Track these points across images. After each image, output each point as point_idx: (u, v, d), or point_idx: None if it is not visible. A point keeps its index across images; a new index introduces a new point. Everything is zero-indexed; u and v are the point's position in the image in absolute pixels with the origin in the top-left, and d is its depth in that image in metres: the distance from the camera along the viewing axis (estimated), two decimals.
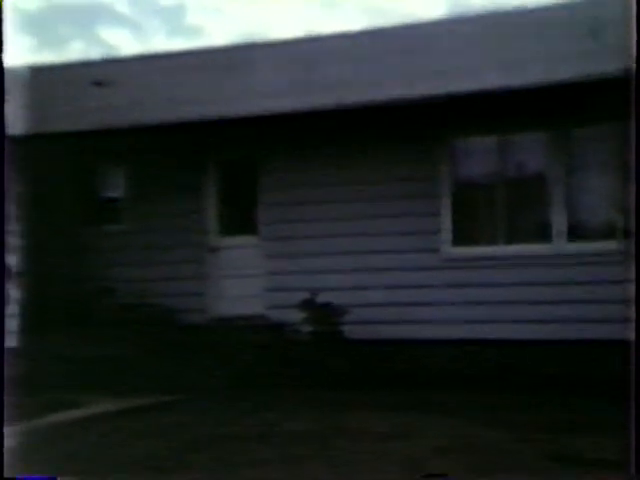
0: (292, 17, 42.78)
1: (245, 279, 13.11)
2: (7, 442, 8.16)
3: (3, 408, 4.72)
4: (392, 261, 12.12)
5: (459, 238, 11.94)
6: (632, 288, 4.87)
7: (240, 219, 13.45)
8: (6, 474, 5.35)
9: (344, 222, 12.46)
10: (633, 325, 4.82)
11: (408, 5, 41.57)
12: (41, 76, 18.21)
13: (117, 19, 44.15)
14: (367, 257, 12.28)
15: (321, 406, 9.62)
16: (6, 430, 8.78)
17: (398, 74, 13.36)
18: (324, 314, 11.88)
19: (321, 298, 11.95)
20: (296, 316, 11.99)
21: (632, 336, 4.83)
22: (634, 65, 4.89)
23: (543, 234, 11.48)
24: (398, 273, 12.10)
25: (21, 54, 43.00)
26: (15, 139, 13.45)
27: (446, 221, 11.97)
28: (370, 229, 12.29)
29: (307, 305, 11.95)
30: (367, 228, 12.31)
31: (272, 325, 12.46)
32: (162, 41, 44.80)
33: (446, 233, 11.96)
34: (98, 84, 15.94)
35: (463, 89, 11.44)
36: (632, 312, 4.83)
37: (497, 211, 11.78)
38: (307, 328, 11.99)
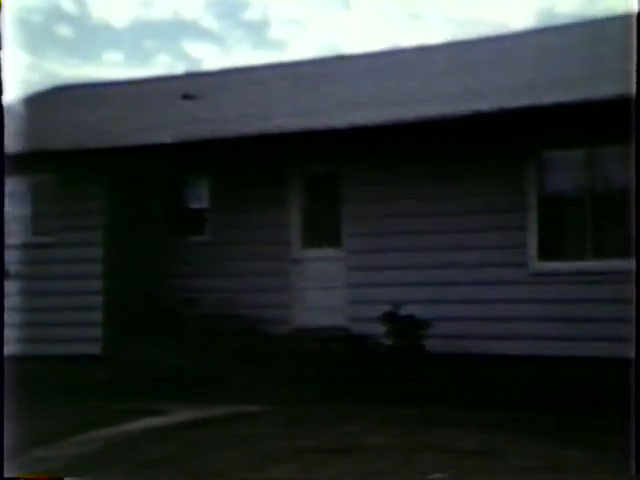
0: (376, 29, 42.78)
1: (327, 291, 13.08)
2: (89, 447, 8.30)
3: (3, 408, 4.74)
4: (477, 275, 11.93)
5: (546, 252, 11.70)
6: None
7: (323, 231, 13.44)
8: (8, 474, 5.36)
9: (428, 235, 12.32)
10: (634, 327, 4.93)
11: (494, 15, 41.17)
12: (129, 90, 18.58)
13: (202, 33, 44.83)
14: (451, 271, 12.12)
15: (403, 421, 9.50)
16: (87, 436, 8.94)
17: (482, 87, 13.19)
18: (406, 327, 11.74)
19: (403, 311, 11.82)
20: (378, 329, 11.89)
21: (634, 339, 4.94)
22: None
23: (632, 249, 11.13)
24: (483, 287, 11.90)
25: (109, 69, 43.98)
26: (102, 151, 13.72)
27: (532, 235, 11.74)
28: (455, 243, 12.13)
29: (389, 318, 11.84)
30: (452, 242, 12.16)
31: (354, 337, 12.38)
32: (246, 55, 45.32)
33: (532, 247, 11.73)
34: (186, 97, 16.16)
35: (549, 101, 11.21)
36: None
37: (584, 225, 11.50)
38: (389, 341, 11.88)
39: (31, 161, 13.95)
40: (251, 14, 45.50)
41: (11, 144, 14.37)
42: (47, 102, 18.77)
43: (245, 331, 12.91)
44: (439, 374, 11.24)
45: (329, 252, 13.25)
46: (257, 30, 45.82)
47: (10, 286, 13.82)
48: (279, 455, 7.75)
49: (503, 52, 15.30)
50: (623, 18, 13.61)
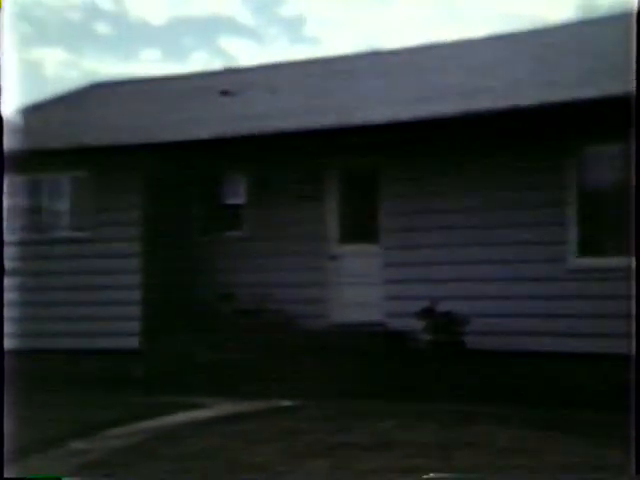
0: (414, 24, 42.63)
1: (364, 287, 13.07)
2: (128, 439, 8.34)
3: (3, 408, 4.74)
4: (515, 271, 11.85)
5: (585, 248, 11.58)
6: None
7: (360, 227, 13.43)
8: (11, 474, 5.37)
9: (466, 231, 12.26)
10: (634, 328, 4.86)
11: (534, 9, 40.81)
12: (166, 87, 18.67)
13: (238, 30, 44.98)
14: (489, 266, 12.05)
15: (441, 417, 9.43)
16: (126, 428, 8.99)
17: (522, 82, 13.08)
18: (444, 323, 11.68)
19: (441, 307, 11.75)
20: (415, 325, 11.83)
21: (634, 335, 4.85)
22: None
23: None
24: (521, 283, 11.81)
25: (146, 66, 44.26)
26: (139, 147, 13.79)
27: (572, 231, 11.63)
28: (493, 238, 12.05)
29: (427, 314, 11.78)
30: (490, 237, 12.08)
31: (391, 333, 12.36)
32: (282, 50, 45.40)
33: (572, 243, 11.61)
34: (224, 93, 16.20)
35: (589, 95, 11.09)
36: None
37: (624, 221, 11.35)
38: (426, 337, 11.82)
39: (69, 157, 14.09)
40: (287, 10, 45.59)
41: (50, 141, 14.56)
42: (85, 99, 18.92)
43: (282, 326, 12.93)
44: (477, 370, 11.16)
45: (366, 248, 13.23)
46: (293, 26, 45.92)
47: (50, 281, 13.99)
48: (315, 450, 7.73)
49: (543, 45, 15.16)
50: None
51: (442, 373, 11.25)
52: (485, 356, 11.40)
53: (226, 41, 48.14)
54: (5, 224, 4.89)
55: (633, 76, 4.88)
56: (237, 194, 14.53)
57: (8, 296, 14.60)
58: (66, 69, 46.78)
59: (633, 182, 4.98)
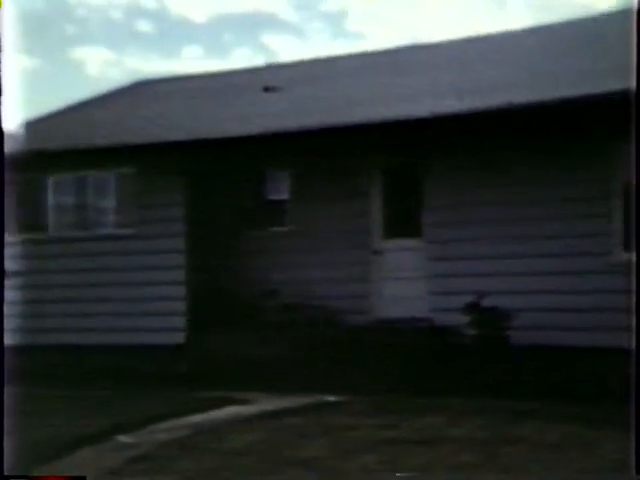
0: (456, 17, 42.37)
1: (408, 281, 13.02)
2: (174, 434, 8.39)
3: (3, 408, 4.75)
4: (560, 265, 11.73)
5: (630, 242, 11.41)
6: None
7: (404, 222, 13.38)
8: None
9: (510, 225, 12.16)
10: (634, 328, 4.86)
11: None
12: (209, 83, 18.75)
13: (280, 25, 45.04)
14: (534, 260, 11.94)
15: (488, 413, 9.37)
16: (172, 423, 9.04)
17: (568, 73, 12.93)
18: (489, 318, 11.59)
19: (486, 302, 11.66)
20: (460, 319, 11.75)
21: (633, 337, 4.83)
22: None
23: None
24: (567, 277, 11.69)
25: (188, 63, 44.50)
26: (183, 144, 13.87)
27: (617, 224, 11.47)
28: (537, 232, 11.94)
29: (472, 308, 11.69)
30: (534, 231, 11.97)
31: (435, 328, 12.30)
32: (325, 45, 45.41)
33: (617, 236, 11.46)
34: (268, 90, 16.22)
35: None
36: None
37: None
38: (471, 332, 11.73)
39: (114, 155, 14.21)
40: (329, 5, 45.55)
41: (95, 139, 14.68)
42: (129, 97, 19.06)
43: (326, 322, 12.93)
44: (524, 365, 11.07)
45: (410, 242, 13.18)
46: (335, 21, 45.88)
47: (96, 277, 14.13)
48: (363, 445, 7.72)
49: (588, 36, 14.97)
50: None
51: (487, 368, 11.16)
52: (531, 351, 11.30)
53: (268, 37, 48.30)
54: (5, 224, 4.89)
55: (633, 74, 4.87)
56: (280, 190, 14.56)
57: (56, 292, 14.81)
58: (109, 68, 47.23)
59: (633, 182, 4.97)
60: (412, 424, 8.74)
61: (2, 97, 4.76)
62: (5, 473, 5.16)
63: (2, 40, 4.79)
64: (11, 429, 8.70)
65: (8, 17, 4.84)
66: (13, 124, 17.04)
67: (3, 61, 4.79)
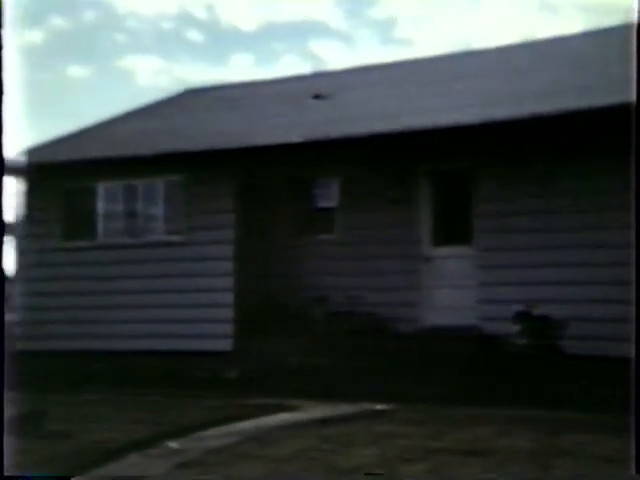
0: (507, 22, 42.12)
1: (458, 290, 12.92)
2: (223, 440, 8.40)
3: (3, 408, 4.76)
4: (612, 274, 11.54)
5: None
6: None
7: (453, 229, 13.29)
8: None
9: (560, 233, 12.02)
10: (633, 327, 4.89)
11: (630, 2, 39.76)
12: (258, 91, 18.82)
13: (329, 33, 45.17)
14: (584, 269, 11.77)
15: (538, 424, 9.24)
16: (220, 429, 9.06)
17: (619, 79, 12.72)
18: (541, 327, 11.44)
19: (538, 310, 11.51)
20: (510, 328, 11.62)
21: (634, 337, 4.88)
22: None
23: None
24: (618, 287, 11.47)
25: (237, 71, 44.83)
26: (232, 151, 13.93)
27: None
28: (589, 240, 11.77)
29: (522, 317, 11.55)
30: (585, 239, 11.80)
31: (485, 337, 12.18)
32: (373, 53, 45.46)
33: None
34: (317, 97, 16.24)
35: None
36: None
37: None
38: (522, 341, 11.60)
39: (164, 163, 14.32)
40: (378, 12, 45.57)
41: (144, 147, 14.82)
42: (179, 105, 19.21)
43: (374, 330, 12.89)
44: (575, 376, 10.90)
45: (459, 250, 13.09)
46: (384, 28, 45.88)
47: (145, 284, 14.24)
48: (411, 454, 7.64)
49: None
50: None
51: (538, 379, 11.01)
52: (582, 361, 11.12)
53: (316, 44, 48.48)
54: (5, 224, 4.90)
55: (633, 86, 4.86)
56: (329, 197, 14.57)
57: (104, 299, 14.93)
58: (158, 77, 47.76)
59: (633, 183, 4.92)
60: (460, 434, 8.64)
61: (2, 97, 4.74)
62: (5, 474, 5.18)
63: (2, 40, 4.77)
64: (60, 433, 8.82)
65: (7, 18, 4.81)
66: (60, 133, 17.29)
67: (4, 60, 4.76)
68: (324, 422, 9.52)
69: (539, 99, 12.69)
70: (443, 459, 7.43)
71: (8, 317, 16.51)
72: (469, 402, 10.54)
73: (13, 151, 16.43)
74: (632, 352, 4.89)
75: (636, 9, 5.16)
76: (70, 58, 50.04)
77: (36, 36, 46.24)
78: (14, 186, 15.93)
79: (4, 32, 4.70)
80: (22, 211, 15.88)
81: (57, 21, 46.31)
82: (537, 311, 11.49)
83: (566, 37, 16.72)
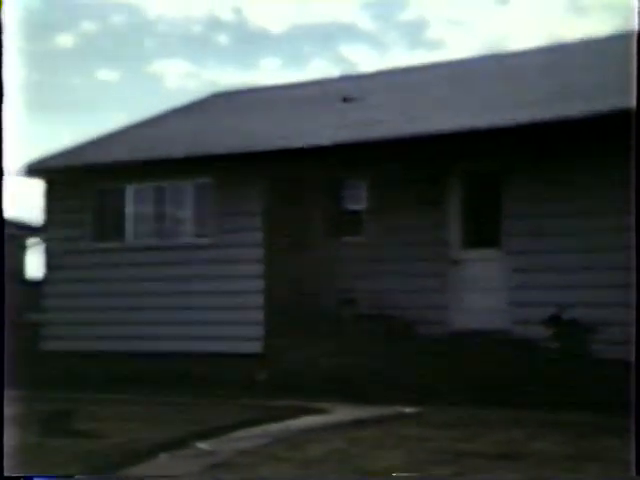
0: (537, 24, 41.85)
1: (487, 293, 12.84)
2: (253, 442, 8.40)
3: (3, 409, 4.75)
4: None
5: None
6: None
7: (483, 232, 13.21)
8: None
9: (592, 236, 11.91)
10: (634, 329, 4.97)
11: None
12: (286, 94, 18.83)
13: (358, 36, 45.09)
14: (617, 272, 11.62)
15: (569, 427, 9.16)
16: (251, 431, 9.06)
17: None
18: (572, 331, 11.34)
19: (567, 314, 11.40)
20: (540, 332, 11.53)
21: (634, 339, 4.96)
22: None
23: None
24: None
25: (265, 74, 44.89)
26: (261, 154, 13.94)
27: None
28: (621, 243, 11.60)
29: (553, 321, 11.45)
30: (618, 242, 11.66)
31: (515, 341, 12.09)
32: (402, 55, 45.34)
33: None
34: (346, 100, 16.21)
35: None
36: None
37: None
38: (553, 345, 11.50)
39: (192, 165, 14.35)
40: (408, 14, 45.43)
41: (173, 150, 14.86)
42: (208, 108, 19.26)
43: (403, 332, 12.84)
44: (604, 380, 10.79)
45: (489, 253, 13.01)
46: (414, 30, 45.74)
47: (174, 286, 14.27)
48: (440, 457, 7.60)
49: None
50: None
51: (568, 382, 10.92)
52: (614, 366, 10.99)
53: (345, 47, 48.43)
54: (4, 224, 4.89)
55: (634, 94, 4.87)
56: (358, 199, 14.55)
57: (133, 300, 15.02)
58: (187, 80, 47.91)
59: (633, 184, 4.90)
60: (491, 437, 8.59)
61: (3, 98, 4.73)
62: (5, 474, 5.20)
63: (2, 40, 4.74)
64: (91, 432, 8.86)
65: (8, 17, 4.79)
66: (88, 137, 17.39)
67: (5, 60, 4.74)
68: (353, 425, 9.50)
69: (570, 100, 12.59)
70: (473, 462, 7.38)
71: (37, 318, 16.67)
72: (500, 405, 10.49)
73: (43, 154, 16.58)
74: (633, 354, 4.87)
75: (636, 16, 5.14)
76: (100, 62, 50.31)
77: (67, 40, 46.55)
78: (43, 188, 16.04)
79: (4, 32, 4.66)
80: (50, 213, 15.98)
81: (87, 25, 46.57)
82: (568, 315, 11.38)
83: (596, 38, 16.58)
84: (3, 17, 4.67)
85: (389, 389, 11.39)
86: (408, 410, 10.46)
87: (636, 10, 5.13)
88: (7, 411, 10.95)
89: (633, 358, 4.86)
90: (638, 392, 4.75)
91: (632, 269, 11.41)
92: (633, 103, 10.42)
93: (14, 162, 16.17)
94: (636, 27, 5.16)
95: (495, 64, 17.01)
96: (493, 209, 13.01)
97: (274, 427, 9.39)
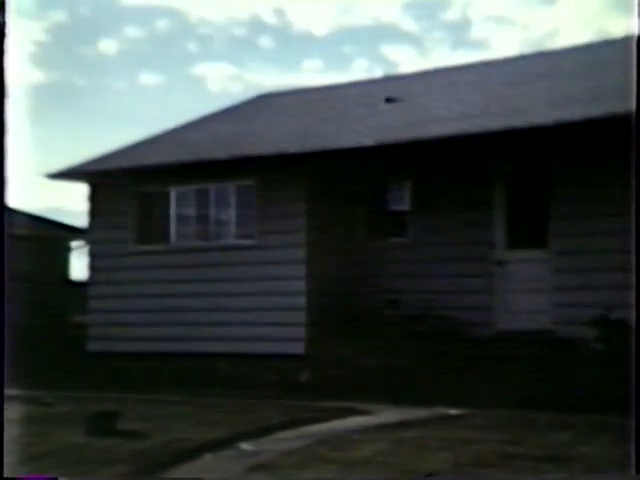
0: (583, 21, 41.46)
1: (533, 293, 12.72)
2: (297, 443, 8.38)
3: (3, 408, 4.72)
4: None
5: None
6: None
7: (528, 232, 13.09)
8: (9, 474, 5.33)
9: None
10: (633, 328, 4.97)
11: None
12: (329, 95, 18.82)
13: (400, 36, 45.03)
14: None
15: (616, 430, 9.00)
16: (294, 432, 9.04)
17: None
18: (619, 332, 11.17)
19: (615, 315, 11.24)
20: (587, 333, 11.39)
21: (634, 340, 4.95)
22: None
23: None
24: None
25: (307, 76, 44.99)
26: (304, 155, 13.91)
27: None
28: None
29: (599, 322, 11.31)
30: None
31: (561, 342, 11.96)
32: (445, 55, 45.18)
33: None
34: (389, 100, 16.17)
35: None
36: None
37: None
38: (599, 346, 11.35)
39: (235, 167, 14.40)
40: (451, 14, 45.24)
41: (217, 152, 14.90)
42: (251, 110, 19.31)
43: (447, 333, 12.76)
44: None
45: (534, 253, 12.88)
46: (458, 30, 45.54)
47: (217, 287, 14.32)
48: (486, 459, 7.52)
49: None
50: None
51: (615, 385, 10.74)
52: None
53: (388, 48, 48.40)
54: (4, 223, 4.89)
55: (633, 99, 4.80)
56: (402, 200, 14.49)
57: (177, 302, 15.06)
58: (229, 83, 48.19)
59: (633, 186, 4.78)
60: (537, 440, 8.48)
61: (5, 99, 4.73)
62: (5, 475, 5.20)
63: (5, 40, 4.73)
64: (136, 433, 8.90)
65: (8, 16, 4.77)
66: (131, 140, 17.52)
67: (6, 60, 4.73)
68: (397, 426, 9.44)
69: (616, 98, 12.41)
70: (520, 465, 7.30)
71: (82, 319, 16.79)
72: (545, 407, 10.35)
73: (87, 157, 16.73)
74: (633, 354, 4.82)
75: (636, 21, 5.05)
76: (143, 66, 50.83)
77: (111, 46, 47.07)
78: (87, 191, 16.19)
79: (5, 32, 4.66)
80: (95, 216, 16.12)
81: (131, 31, 47.11)
82: (615, 316, 11.23)
83: None
84: (4, 17, 4.67)
85: (433, 390, 11.31)
86: (453, 412, 10.38)
87: (636, 12, 5.05)
88: (56, 410, 11.08)
89: (633, 357, 4.82)
90: (638, 391, 4.70)
91: None
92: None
93: (58, 165, 16.38)
94: (636, 30, 5.07)
95: (538, 63, 16.83)
96: (539, 209, 12.89)
97: (318, 428, 9.35)
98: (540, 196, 12.92)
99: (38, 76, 46.07)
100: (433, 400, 10.89)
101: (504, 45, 45.08)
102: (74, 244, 22.82)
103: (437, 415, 10.22)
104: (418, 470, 7.12)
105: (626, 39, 16.47)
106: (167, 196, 15.32)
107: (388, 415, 10.26)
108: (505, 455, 7.67)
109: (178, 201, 15.28)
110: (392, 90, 16.99)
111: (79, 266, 20.63)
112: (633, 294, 4.98)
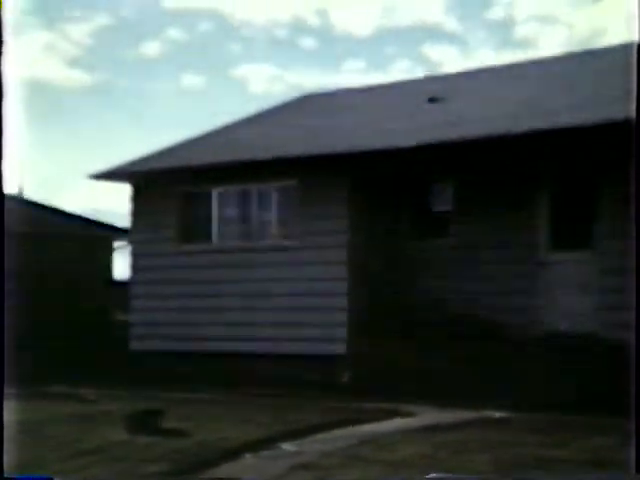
0: (630, 19, 40.82)
1: (577, 295, 12.56)
2: (338, 443, 8.35)
3: (3, 408, 4.69)
4: None
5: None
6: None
7: (572, 233, 12.92)
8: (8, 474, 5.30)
9: None
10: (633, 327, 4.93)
11: None
12: (371, 96, 18.78)
13: (443, 36, 44.81)
14: None
15: None
16: (335, 433, 9.02)
17: None
18: None
19: None
20: (632, 336, 11.18)
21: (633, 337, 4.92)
22: None
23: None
24: None
25: (349, 77, 44.96)
26: (347, 156, 13.89)
27: None
28: None
29: None
30: None
31: (606, 345, 11.77)
32: (489, 55, 44.86)
33: None
34: (432, 100, 16.08)
35: None
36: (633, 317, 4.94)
37: None
38: None
39: (278, 168, 14.40)
40: (495, 13, 44.92)
41: (259, 153, 14.93)
42: (293, 111, 19.33)
43: (490, 335, 12.64)
44: None
45: (579, 254, 12.71)
46: (501, 29, 45.20)
47: (259, 287, 14.35)
48: (528, 463, 7.44)
49: None
50: None
51: None
52: None
53: (430, 48, 48.18)
54: (4, 223, 4.88)
55: (633, 106, 4.73)
56: (445, 201, 14.40)
57: (219, 301, 15.09)
58: (271, 84, 48.30)
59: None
60: (579, 443, 8.38)
61: (2, 99, 4.71)
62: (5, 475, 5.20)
63: (3, 40, 4.71)
64: (177, 431, 8.93)
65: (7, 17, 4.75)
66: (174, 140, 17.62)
67: (5, 60, 4.70)
68: (439, 428, 9.38)
69: None
70: (560, 469, 7.22)
71: (125, 318, 16.93)
72: (588, 411, 10.22)
73: (129, 158, 16.86)
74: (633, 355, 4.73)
75: (637, 26, 4.95)
76: (185, 68, 51.13)
77: (153, 48, 47.41)
78: (129, 192, 16.31)
79: (4, 33, 4.65)
80: (137, 216, 16.24)
81: (174, 33, 47.35)
82: None
83: None
84: (3, 16, 4.67)
85: (475, 393, 11.21)
86: (495, 414, 10.29)
87: (636, 23, 4.96)
88: (99, 408, 11.16)
89: (634, 358, 4.74)
90: (638, 391, 4.61)
91: None
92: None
93: (101, 166, 16.52)
94: (636, 36, 4.98)
95: (584, 61, 16.63)
96: (584, 210, 12.72)
97: (359, 429, 9.33)
98: (586, 196, 12.75)
99: (84, 78, 46.60)
100: (475, 402, 10.80)
101: (548, 44, 44.62)
102: (117, 244, 23.03)
103: (479, 417, 10.14)
104: (458, 472, 7.07)
105: None
106: (209, 196, 15.38)
107: (430, 417, 10.21)
108: (547, 458, 7.61)
109: (220, 201, 15.32)
110: (435, 90, 16.89)
111: (122, 266, 20.80)
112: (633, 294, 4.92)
